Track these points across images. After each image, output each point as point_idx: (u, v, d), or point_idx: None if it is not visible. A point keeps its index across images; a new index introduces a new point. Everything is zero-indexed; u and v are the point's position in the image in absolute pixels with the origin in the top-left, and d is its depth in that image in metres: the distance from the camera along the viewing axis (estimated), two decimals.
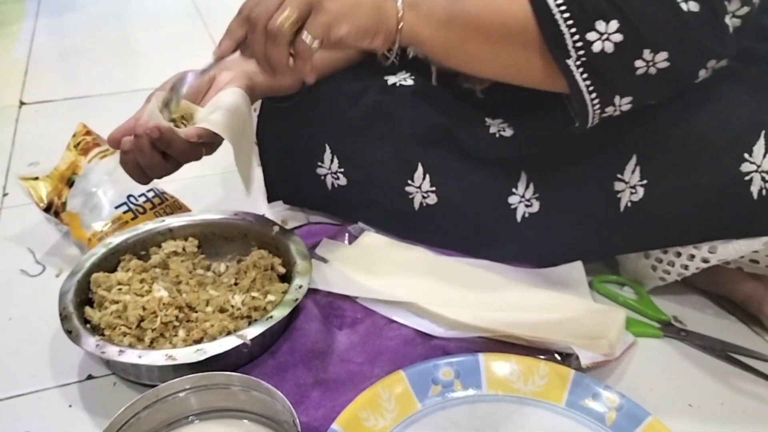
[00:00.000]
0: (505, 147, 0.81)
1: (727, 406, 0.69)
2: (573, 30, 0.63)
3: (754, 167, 0.68)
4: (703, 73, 0.67)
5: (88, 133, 0.98)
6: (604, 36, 0.63)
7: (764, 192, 0.68)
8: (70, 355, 0.74)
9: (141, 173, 0.73)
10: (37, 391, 0.70)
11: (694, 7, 0.62)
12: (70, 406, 0.69)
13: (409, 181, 0.85)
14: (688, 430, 0.66)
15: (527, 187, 0.80)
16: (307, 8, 0.62)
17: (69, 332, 0.68)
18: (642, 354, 0.75)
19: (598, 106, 0.67)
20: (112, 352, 0.66)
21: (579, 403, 0.65)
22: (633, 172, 0.74)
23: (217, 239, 0.85)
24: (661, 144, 0.72)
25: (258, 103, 0.95)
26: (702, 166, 0.70)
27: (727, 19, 0.64)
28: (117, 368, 0.70)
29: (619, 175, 0.75)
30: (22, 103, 1.39)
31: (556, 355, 0.70)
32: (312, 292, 0.79)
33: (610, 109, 0.68)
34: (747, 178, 0.68)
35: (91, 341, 0.67)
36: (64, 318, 0.70)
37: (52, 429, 0.66)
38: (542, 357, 0.69)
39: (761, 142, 0.68)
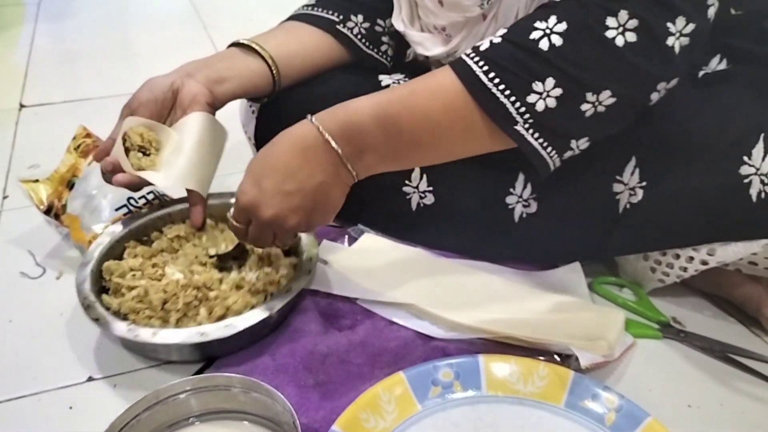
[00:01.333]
0: None
1: (726, 407, 0.69)
2: (513, 99, 0.64)
3: (753, 170, 0.68)
4: (655, 96, 0.67)
5: (88, 135, 0.97)
6: (544, 94, 0.64)
7: (763, 195, 0.68)
8: (70, 356, 0.74)
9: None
10: (37, 393, 0.70)
11: (631, 37, 0.62)
12: (71, 407, 0.68)
13: (407, 181, 0.85)
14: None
15: (525, 187, 0.80)
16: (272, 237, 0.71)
17: (96, 320, 0.69)
18: (641, 355, 0.75)
19: (555, 156, 0.68)
20: (145, 334, 0.67)
21: (578, 404, 0.65)
22: (632, 173, 0.74)
23: (215, 221, 0.85)
24: (660, 146, 0.72)
25: (258, 104, 0.96)
26: (701, 169, 0.71)
27: (671, 41, 0.63)
28: (147, 349, 0.72)
29: (618, 177, 0.75)
30: (22, 106, 1.39)
31: (556, 357, 0.70)
32: (312, 293, 0.79)
33: (569, 153, 0.69)
34: (746, 180, 0.68)
35: (121, 326, 0.68)
36: (87, 307, 0.71)
37: (52, 431, 0.66)
38: (541, 358, 0.69)
39: (760, 145, 0.68)
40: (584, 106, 0.64)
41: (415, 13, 0.85)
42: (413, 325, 0.76)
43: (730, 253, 0.71)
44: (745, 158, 0.68)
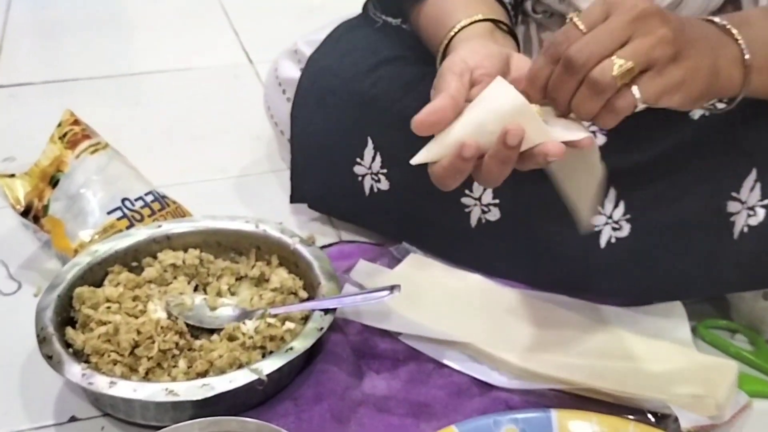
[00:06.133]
0: None
1: None
2: None
3: None
4: None
5: (77, 122, 0.99)
6: None
7: None
8: (50, 389, 0.76)
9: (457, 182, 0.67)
10: None
11: None
12: None
13: (467, 191, 0.85)
14: None
15: (616, 205, 0.80)
16: (647, 64, 0.60)
17: (49, 358, 0.70)
18: (759, 418, 0.74)
19: None
20: (101, 383, 0.67)
21: None
22: (752, 189, 0.74)
23: (224, 251, 0.87)
24: None
25: (292, 85, 0.98)
26: None
27: None
28: (104, 403, 0.72)
29: (733, 194, 0.75)
30: None
31: (649, 416, 0.70)
32: (343, 325, 0.80)
33: None
34: None
35: (75, 370, 0.69)
36: (42, 341, 0.72)
37: None
38: (631, 417, 0.69)
39: None
40: None
41: None
42: (468, 369, 0.76)
43: None
44: None
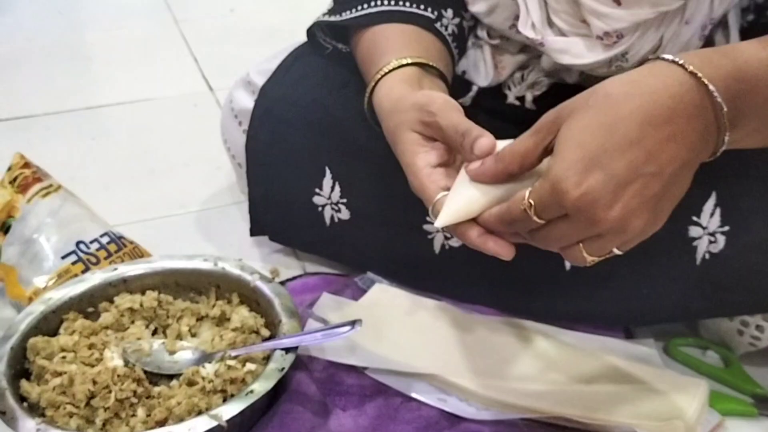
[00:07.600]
0: None
1: None
2: None
3: None
4: None
5: (27, 165, 0.99)
6: None
7: None
8: None
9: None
10: None
11: None
12: None
13: (428, 218, 0.86)
14: None
15: None
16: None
17: (2, 414, 0.70)
18: None
19: None
20: None
21: None
22: (712, 214, 0.75)
23: (183, 291, 0.88)
24: (746, 180, 0.73)
25: (248, 116, 0.99)
26: None
27: None
28: None
29: (694, 218, 0.76)
30: None
31: None
32: (308, 362, 0.81)
33: None
34: None
35: (30, 425, 0.69)
36: None
37: None
38: None
39: None
40: None
41: (545, 17, 0.84)
42: (437, 401, 0.77)
43: None
44: None
